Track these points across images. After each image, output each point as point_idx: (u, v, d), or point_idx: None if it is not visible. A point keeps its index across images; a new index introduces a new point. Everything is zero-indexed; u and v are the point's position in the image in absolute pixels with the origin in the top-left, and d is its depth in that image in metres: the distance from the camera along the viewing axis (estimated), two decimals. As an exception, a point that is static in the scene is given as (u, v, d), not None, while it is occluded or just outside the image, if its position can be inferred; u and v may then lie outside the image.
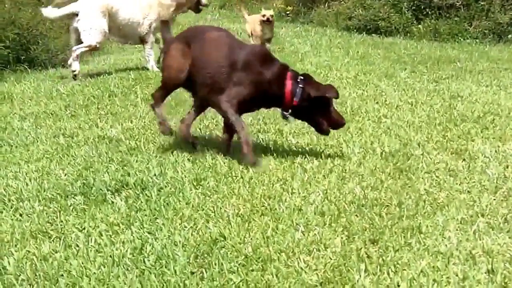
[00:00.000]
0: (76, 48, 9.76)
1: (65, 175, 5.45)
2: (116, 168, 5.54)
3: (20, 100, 8.38)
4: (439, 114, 7.32)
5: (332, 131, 5.84)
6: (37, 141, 6.58)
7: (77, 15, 9.80)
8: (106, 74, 9.84)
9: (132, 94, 8.45)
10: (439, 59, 11.21)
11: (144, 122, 7.15)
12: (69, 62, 9.84)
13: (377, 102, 7.92)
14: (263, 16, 11.62)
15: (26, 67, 10.60)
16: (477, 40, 13.58)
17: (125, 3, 10.21)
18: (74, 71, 9.66)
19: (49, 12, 9.86)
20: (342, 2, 15.66)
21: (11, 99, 8.48)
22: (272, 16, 11.71)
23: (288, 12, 16.89)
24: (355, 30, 14.65)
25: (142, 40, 10.42)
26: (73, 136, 6.74)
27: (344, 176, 5.25)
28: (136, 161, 5.75)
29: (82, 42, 9.82)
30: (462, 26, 13.89)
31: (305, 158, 5.71)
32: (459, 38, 13.71)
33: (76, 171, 5.52)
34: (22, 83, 9.52)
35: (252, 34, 12.11)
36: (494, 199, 4.71)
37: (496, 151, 5.92)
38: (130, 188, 5.06)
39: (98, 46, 9.92)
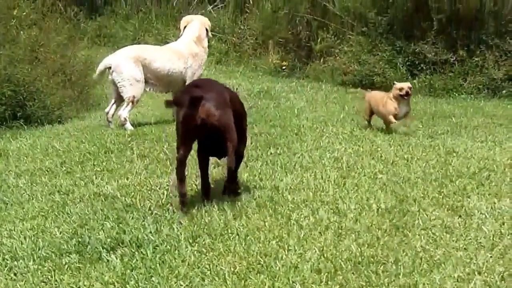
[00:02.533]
0: (121, 112, 9.95)
1: (60, 233, 5.43)
2: (112, 226, 5.53)
3: (16, 157, 8.37)
4: (434, 170, 7.32)
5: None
6: (33, 199, 6.56)
7: (110, 68, 9.99)
8: (102, 130, 9.85)
9: (128, 150, 8.44)
10: (434, 114, 11.25)
11: (140, 178, 7.13)
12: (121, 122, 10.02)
13: (373, 158, 7.92)
14: (400, 89, 9.43)
15: (22, 123, 10.60)
16: (472, 96, 13.65)
17: (160, 53, 10.36)
18: (130, 130, 9.78)
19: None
20: (337, 58, 15.75)
21: (7, 156, 8.46)
22: (410, 88, 9.62)
23: (283, 67, 16.96)
24: (350, 85, 14.74)
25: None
26: (69, 193, 6.72)
27: (340, 233, 5.24)
28: (132, 218, 5.74)
29: (119, 93, 10.02)
30: (457, 82, 13.98)
31: (301, 214, 5.71)
32: (454, 93, 13.80)
33: (71, 229, 5.51)
34: (18, 139, 9.52)
35: (369, 113, 9.98)
36: (491, 257, 4.69)
37: (492, 207, 5.92)
38: (126, 246, 5.04)
39: (136, 98, 10.02)
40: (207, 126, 5.78)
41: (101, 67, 10.14)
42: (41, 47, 12.31)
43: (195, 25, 10.69)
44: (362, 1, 15.55)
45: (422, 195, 6.36)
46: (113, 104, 10.15)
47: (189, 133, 5.85)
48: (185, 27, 10.74)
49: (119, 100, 10.10)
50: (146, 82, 10.13)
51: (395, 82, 9.84)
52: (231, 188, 6.34)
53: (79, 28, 18.82)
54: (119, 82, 9.95)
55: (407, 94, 9.41)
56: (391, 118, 9.43)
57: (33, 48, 12.12)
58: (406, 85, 9.58)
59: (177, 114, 5.96)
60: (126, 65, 9.93)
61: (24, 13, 12.96)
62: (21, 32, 12.36)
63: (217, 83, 6.49)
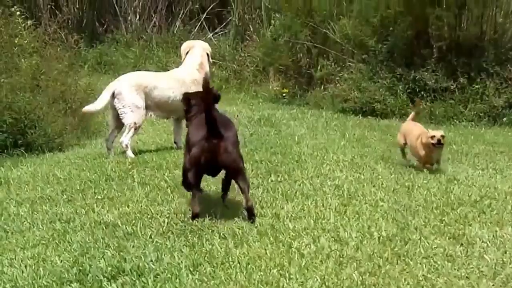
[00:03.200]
0: (122, 139, 9.94)
1: (61, 261, 5.42)
2: (113, 254, 5.52)
3: (17, 185, 8.35)
4: (436, 198, 7.33)
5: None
6: (33, 227, 6.55)
7: (112, 93, 9.98)
8: (103, 158, 9.84)
9: (129, 178, 8.43)
10: (435, 141, 11.26)
11: (141, 206, 7.13)
12: (123, 149, 9.99)
13: (374, 185, 7.93)
14: (432, 137, 8.72)
15: (23, 151, 10.59)
16: (473, 123, 13.65)
17: (163, 80, 10.36)
18: (131, 157, 9.76)
19: (91, 107, 10.17)
20: (338, 85, 15.76)
21: (8, 184, 8.45)
22: (443, 137, 8.79)
23: (284, 94, 16.98)
24: (351, 112, 14.73)
25: None
26: (70, 221, 6.71)
27: (341, 261, 5.23)
28: (133, 246, 5.74)
29: (119, 120, 10.01)
30: (457, 109, 13.99)
31: (302, 242, 5.70)
32: (455, 120, 13.80)
33: (72, 258, 5.49)
34: (19, 167, 9.51)
35: (402, 145, 9.41)
36: (493, 285, 4.69)
37: (494, 236, 5.91)
38: (127, 275, 5.03)
39: (138, 124, 10.02)
40: (223, 165, 6.65)
41: (106, 95, 10.05)
42: (42, 74, 12.32)
43: (197, 51, 10.69)
44: (362, 29, 15.57)
45: (423, 223, 6.36)
46: (112, 131, 10.15)
47: (203, 168, 6.64)
48: (186, 53, 10.74)
49: (119, 127, 10.11)
50: (147, 108, 10.14)
51: (429, 130, 9.08)
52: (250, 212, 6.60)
53: (80, 56, 18.84)
54: (120, 108, 9.95)
55: (439, 142, 8.73)
56: (423, 163, 8.95)
57: (34, 76, 12.12)
58: (438, 133, 8.81)
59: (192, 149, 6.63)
60: (127, 91, 9.93)
61: (26, 41, 12.99)
62: (23, 60, 12.37)
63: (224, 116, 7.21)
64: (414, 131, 9.27)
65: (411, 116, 10.01)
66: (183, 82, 10.31)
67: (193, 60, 10.58)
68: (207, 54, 10.75)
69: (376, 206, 7.02)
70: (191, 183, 6.69)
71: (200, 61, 10.56)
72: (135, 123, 9.94)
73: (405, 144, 9.36)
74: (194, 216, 6.55)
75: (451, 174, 8.61)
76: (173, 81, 10.35)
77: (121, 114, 9.96)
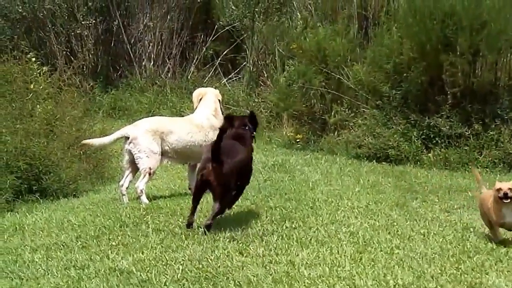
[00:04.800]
0: (138, 184, 9.96)
1: (76, 309, 5.40)
2: (127, 302, 5.50)
3: (32, 231, 8.36)
4: (452, 246, 7.28)
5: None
6: (48, 274, 6.54)
7: (128, 138, 10.03)
8: (118, 204, 9.84)
9: (144, 224, 8.43)
10: (450, 188, 11.19)
11: (155, 253, 7.12)
12: (138, 194, 10.03)
13: (389, 233, 7.89)
14: (498, 190, 7.41)
15: (38, 197, 10.63)
16: (487, 169, 13.54)
17: (180, 126, 10.40)
18: (145, 203, 9.78)
19: (99, 141, 10.38)
20: (352, 131, 15.76)
21: (23, 230, 8.47)
22: (510, 190, 7.34)
23: (298, 140, 16.98)
24: (365, 158, 14.70)
25: None
26: (84, 268, 6.70)
27: (358, 310, 5.19)
28: (147, 294, 5.72)
29: (134, 164, 10.08)
30: (472, 155, 13.91)
31: (318, 291, 5.67)
32: (470, 167, 13.71)
33: (86, 305, 5.48)
34: (34, 213, 9.52)
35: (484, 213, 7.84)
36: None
37: (511, 284, 5.86)
38: (141, 323, 5.01)
39: (153, 169, 10.05)
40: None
41: (117, 135, 10.17)
42: (56, 120, 12.39)
43: (210, 98, 10.73)
44: (375, 75, 15.59)
45: (439, 271, 6.32)
46: (127, 177, 10.16)
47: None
48: (200, 99, 10.79)
49: (133, 172, 10.13)
50: (164, 154, 10.17)
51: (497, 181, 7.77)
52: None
53: (94, 101, 18.99)
54: (135, 153, 9.98)
55: (506, 196, 7.31)
56: (495, 231, 7.60)
57: (49, 122, 12.20)
58: (505, 185, 7.41)
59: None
60: (144, 137, 9.97)
61: (41, 87, 13.09)
62: (37, 105, 12.46)
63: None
64: (487, 194, 7.85)
65: (480, 184, 8.32)
66: (201, 127, 10.35)
67: (208, 106, 10.63)
68: (219, 100, 10.81)
69: (392, 253, 6.99)
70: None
71: (214, 107, 10.62)
72: (150, 168, 9.96)
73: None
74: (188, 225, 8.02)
75: (467, 222, 8.56)
76: (190, 126, 10.38)
77: (136, 159, 9.99)
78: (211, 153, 7.71)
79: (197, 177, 8.03)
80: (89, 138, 10.95)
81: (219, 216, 8.12)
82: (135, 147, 9.98)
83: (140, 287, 5.94)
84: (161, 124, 10.34)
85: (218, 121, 10.55)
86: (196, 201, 8.06)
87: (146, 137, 9.98)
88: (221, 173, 7.72)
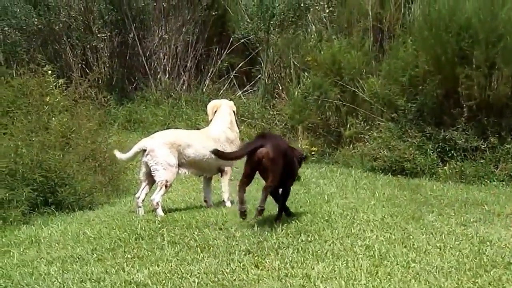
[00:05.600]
0: (154, 196, 9.96)
1: (91, 322, 5.40)
2: (143, 315, 5.50)
3: (47, 244, 8.38)
4: (468, 259, 7.24)
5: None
6: (64, 287, 6.55)
7: (145, 150, 10.04)
8: (133, 216, 9.85)
9: (159, 237, 8.43)
10: (466, 201, 11.12)
11: (171, 266, 7.12)
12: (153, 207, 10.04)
13: (405, 246, 7.85)
14: None
15: (54, 209, 10.64)
16: (504, 183, 13.49)
17: (197, 139, 10.41)
18: (161, 216, 9.78)
19: (119, 155, 10.40)
20: (367, 143, 15.74)
21: (38, 242, 8.49)
22: None
23: (313, 153, 16.95)
24: (380, 171, 14.67)
25: (221, 171, 10.53)
26: (100, 281, 6.71)
27: (374, 324, 5.17)
28: (163, 307, 5.71)
29: (150, 176, 10.07)
30: (488, 169, 13.85)
31: (334, 305, 5.65)
32: (486, 180, 13.65)
33: (102, 318, 5.48)
34: (49, 226, 9.55)
35: None
36: None
37: (528, 299, 5.83)
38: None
39: (169, 182, 10.06)
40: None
41: (136, 149, 10.16)
42: (72, 133, 12.43)
43: (225, 110, 10.73)
44: (391, 88, 15.59)
45: (456, 285, 6.29)
46: (143, 189, 10.16)
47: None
48: (214, 112, 10.80)
49: (150, 184, 10.13)
50: (181, 166, 10.17)
51: None
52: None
53: (109, 114, 19.04)
54: (152, 165, 9.98)
55: None
56: None
57: (64, 134, 12.24)
58: None
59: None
60: (161, 149, 9.97)
61: (56, 100, 13.14)
62: (53, 118, 12.50)
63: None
64: None
65: None
66: (217, 140, 10.36)
67: (223, 119, 10.64)
68: (234, 112, 10.82)
69: (408, 267, 6.96)
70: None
71: (229, 119, 10.63)
72: (166, 181, 9.96)
73: None
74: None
75: (483, 235, 8.50)
76: (207, 139, 10.38)
77: (153, 171, 9.99)
78: (265, 140, 8.73)
79: (250, 160, 8.75)
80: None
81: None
82: (152, 159, 9.98)
83: (156, 300, 5.93)
84: (178, 136, 10.35)
85: (234, 134, 10.57)
86: (244, 188, 8.72)
87: (163, 149, 9.98)
88: (275, 155, 8.61)
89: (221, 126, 10.57)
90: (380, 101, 15.96)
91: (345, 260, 7.17)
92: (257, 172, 8.83)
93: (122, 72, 23.25)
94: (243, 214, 8.70)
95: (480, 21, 14.08)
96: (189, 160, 10.21)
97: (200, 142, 10.32)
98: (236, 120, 10.83)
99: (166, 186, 10.00)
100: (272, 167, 8.63)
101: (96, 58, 22.57)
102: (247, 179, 8.82)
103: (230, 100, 11.50)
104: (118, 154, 10.40)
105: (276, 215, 9.20)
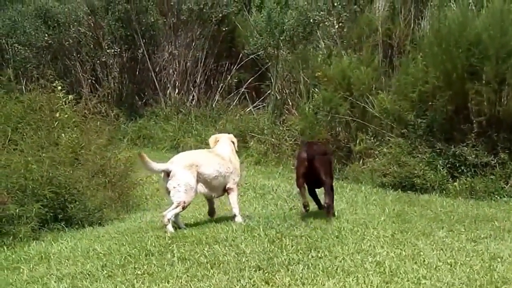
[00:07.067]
0: (166, 213, 9.94)
1: None
2: (153, 332, 5.49)
3: (57, 260, 8.38)
4: (479, 276, 7.22)
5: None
6: (74, 303, 6.55)
7: (168, 173, 10.03)
8: (143, 232, 9.85)
9: (169, 253, 8.42)
10: (476, 217, 11.09)
11: (181, 282, 7.11)
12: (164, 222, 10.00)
13: (415, 262, 7.84)
14: None
15: (63, 225, 10.65)
16: (514, 199, 13.51)
17: (211, 159, 10.42)
18: (171, 232, 9.77)
19: (148, 163, 10.18)
20: (377, 159, 15.72)
21: (48, 259, 8.49)
22: None
23: (322, 168, 16.91)
24: (390, 187, 14.64)
25: (227, 190, 10.55)
26: (110, 297, 6.71)
27: None
28: (173, 324, 5.70)
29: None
30: (498, 184, 13.81)
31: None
32: (496, 196, 13.60)
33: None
34: (59, 242, 9.55)
35: None
36: None
37: (541, 316, 5.80)
38: None
39: (186, 203, 10.05)
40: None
41: (164, 166, 10.10)
42: (82, 149, 12.44)
43: (225, 141, 10.78)
44: (401, 104, 15.58)
45: (467, 302, 6.26)
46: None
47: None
48: (216, 141, 10.87)
49: None
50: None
51: None
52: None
53: (119, 130, 19.04)
54: (174, 187, 9.96)
55: None
56: None
57: (74, 150, 12.24)
58: None
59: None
60: (182, 172, 9.97)
61: (66, 116, 13.17)
62: (63, 134, 12.52)
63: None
64: None
65: None
66: (226, 159, 10.42)
67: (227, 144, 10.72)
68: (233, 143, 10.87)
69: (419, 283, 6.94)
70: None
71: (231, 148, 10.71)
72: (184, 202, 9.95)
73: None
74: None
75: (494, 252, 8.48)
76: (217, 158, 10.41)
77: (173, 191, 9.94)
78: (315, 151, 10.65)
79: (303, 166, 10.64)
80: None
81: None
82: (174, 181, 9.95)
83: (166, 316, 5.93)
84: (196, 158, 10.34)
85: (237, 161, 10.67)
86: (303, 186, 10.78)
87: (185, 172, 9.99)
88: (324, 160, 10.75)
89: (227, 148, 10.63)
90: (390, 116, 15.94)
91: (355, 277, 7.15)
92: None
93: (131, 88, 23.37)
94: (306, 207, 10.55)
95: (490, 37, 14.06)
96: (205, 180, 10.22)
97: (214, 161, 10.36)
98: (236, 151, 10.90)
99: (183, 208, 10.00)
100: (324, 169, 10.62)
101: (106, 74, 22.71)
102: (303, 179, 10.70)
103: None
104: (147, 159, 10.28)
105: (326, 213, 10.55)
